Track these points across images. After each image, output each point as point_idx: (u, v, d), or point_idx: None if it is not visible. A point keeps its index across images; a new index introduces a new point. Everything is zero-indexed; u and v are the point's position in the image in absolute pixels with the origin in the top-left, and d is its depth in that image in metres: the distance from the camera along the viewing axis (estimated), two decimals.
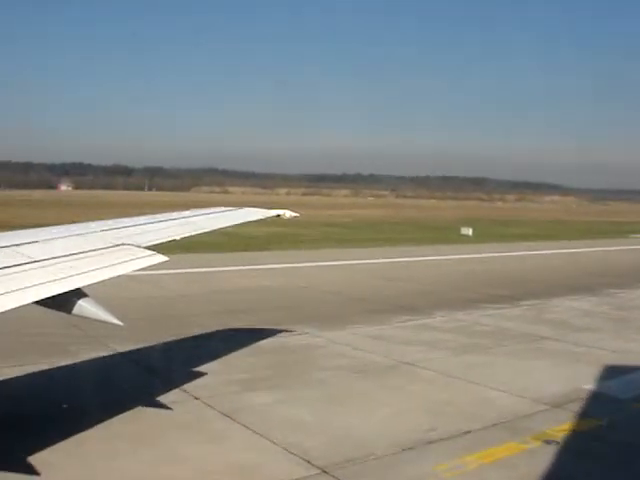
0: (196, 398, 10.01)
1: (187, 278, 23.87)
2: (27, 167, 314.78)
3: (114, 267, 5.82)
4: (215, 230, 8.63)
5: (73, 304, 5.39)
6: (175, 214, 9.01)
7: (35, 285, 4.93)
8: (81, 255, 5.90)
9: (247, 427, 8.84)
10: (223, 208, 9.98)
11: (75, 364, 11.75)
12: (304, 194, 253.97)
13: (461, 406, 10.00)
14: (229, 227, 9.33)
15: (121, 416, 8.97)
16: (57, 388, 10.71)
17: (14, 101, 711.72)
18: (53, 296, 5.00)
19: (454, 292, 22.20)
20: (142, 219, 8.22)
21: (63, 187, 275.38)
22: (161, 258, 6.36)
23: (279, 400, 10.13)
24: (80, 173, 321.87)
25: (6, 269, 5.09)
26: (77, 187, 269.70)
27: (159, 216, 8.66)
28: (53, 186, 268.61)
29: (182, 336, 14.21)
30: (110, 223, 7.63)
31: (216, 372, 11.49)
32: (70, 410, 9.29)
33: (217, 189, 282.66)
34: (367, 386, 11.10)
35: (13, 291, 4.73)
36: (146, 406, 9.41)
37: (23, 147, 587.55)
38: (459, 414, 9.57)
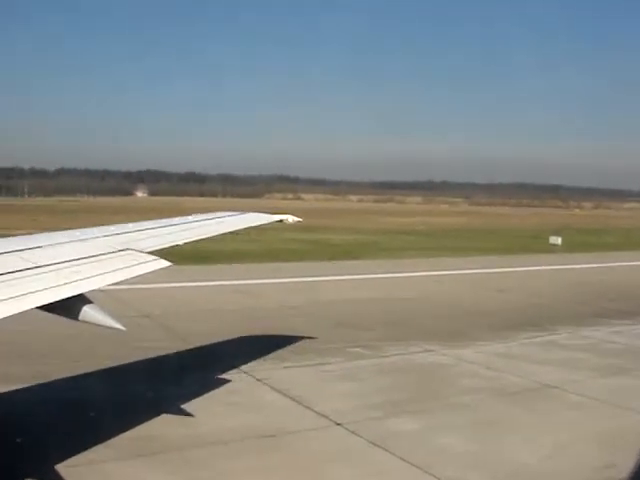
0: (338, 424, 9.38)
1: (289, 288, 23.40)
2: (104, 174, 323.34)
3: (118, 272, 5.82)
4: (218, 235, 8.46)
5: (77, 309, 5.32)
6: (178, 219, 8.93)
7: (39, 290, 4.94)
8: (84, 260, 5.89)
9: (403, 459, 8.16)
10: (226, 213, 9.93)
11: None
12: (376, 201, 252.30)
13: (631, 437, 9.08)
14: (232, 231, 9.11)
15: (264, 443, 8.45)
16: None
17: (92, 111, 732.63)
18: (57, 301, 4.99)
19: (569, 305, 21.04)
20: (145, 224, 8.15)
21: (139, 194, 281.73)
22: (164, 263, 6.24)
23: (427, 427, 9.44)
24: (154, 180, 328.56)
25: (10, 274, 5.10)
26: (152, 194, 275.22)
27: (162, 221, 8.64)
28: (129, 193, 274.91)
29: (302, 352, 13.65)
30: (113, 229, 7.61)
31: (350, 394, 10.87)
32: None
33: (290, 196, 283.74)
34: (516, 412, 10.30)
35: (17, 296, 4.73)
36: (289, 433, 8.96)
37: (100, 155, 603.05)
38: (633, 447, 8.65)
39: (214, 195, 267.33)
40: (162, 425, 9.07)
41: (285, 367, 12.53)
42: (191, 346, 14.09)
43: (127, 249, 6.45)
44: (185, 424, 9.10)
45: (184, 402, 9.86)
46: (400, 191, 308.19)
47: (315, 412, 9.89)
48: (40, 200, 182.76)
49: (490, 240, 53.26)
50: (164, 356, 13.04)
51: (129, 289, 20.92)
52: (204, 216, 9.43)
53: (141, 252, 6.46)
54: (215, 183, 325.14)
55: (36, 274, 5.26)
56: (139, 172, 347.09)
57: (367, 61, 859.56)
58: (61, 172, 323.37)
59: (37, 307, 4.88)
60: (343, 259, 34.64)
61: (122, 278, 5.79)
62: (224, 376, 11.55)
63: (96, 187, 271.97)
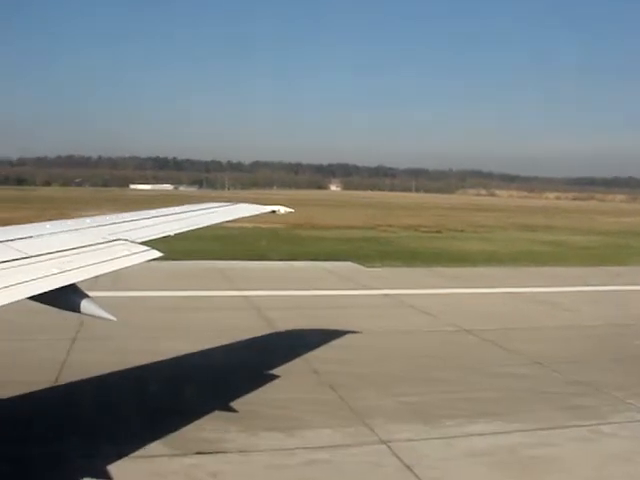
0: None
1: (592, 298, 20.45)
2: (297, 167, 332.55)
3: (109, 262, 5.77)
4: (210, 225, 8.44)
5: (68, 300, 5.33)
6: (170, 210, 8.92)
7: (29, 281, 4.89)
8: (76, 251, 5.84)
9: None
10: (218, 204, 10.01)
11: None
12: (574, 199, 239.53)
13: None
14: (223, 222, 9.05)
15: None
16: None
17: (282, 107, 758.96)
18: (48, 292, 4.94)
19: None
20: (137, 215, 8.11)
21: (333, 187, 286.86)
22: (156, 254, 6.18)
23: None
24: (345, 174, 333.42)
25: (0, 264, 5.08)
26: (345, 187, 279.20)
27: (153, 212, 8.61)
28: (322, 186, 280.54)
29: None
30: (105, 219, 7.57)
31: None
32: None
33: (483, 192, 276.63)
34: None
35: (7, 287, 4.66)
36: None
37: (293, 148, 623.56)
38: None
39: (406, 190, 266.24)
40: None
41: None
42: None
43: (119, 239, 6.42)
44: None
45: None
46: (597, 188, 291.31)
47: None
48: (246, 193, 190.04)
49: None
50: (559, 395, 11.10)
51: (411, 294, 19.26)
52: (196, 207, 9.50)
53: (133, 242, 6.41)
54: (405, 177, 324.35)
55: (27, 264, 5.22)
56: (330, 165, 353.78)
57: (560, 55, 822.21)
58: (256, 165, 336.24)
59: (28, 297, 4.83)
60: (607, 264, 30.96)
61: (114, 268, 5.74)
62: None
63: (290, 180, 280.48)
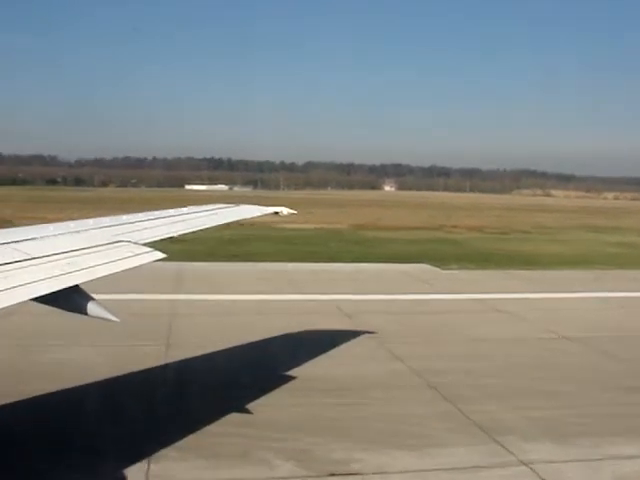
0: None
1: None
2: (349, 168, 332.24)
3: (112, 264, 5.79)
4: (213, 227, 8.47)
5: (71, 301, 5.38)
6: (172, 211, 8.93)
7: (33, 282, 4.94)
8: (79, 252, 5.89)
9: None
10: (220, 205, 9.97)
11: None
12: (633, 198, 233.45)
13: None
14: (226, 223, 9.09)
15: None
16: None
17: (333, 105, 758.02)
18: (51, 293, 4.98)
19: None
20: (139, 216, 8.11)
21: (387, 187, 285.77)
22: (159, 255, 6.26)
23: None
24: (398, 174, 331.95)
25: (4, 266, 5.08)
26: (400, 188, 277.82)
27: (156, 213, 8.60)
28: (376, 186, 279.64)
29: None
30: (107, 220, 7.59)
31: None
32: None
33: (538, 192, 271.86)
34: None
35: (11, 288, 4.72)
36: None
37: (345, 149, 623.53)
38: None
39: (459, 190, 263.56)
40: None
41: None
42: None
43: (121, 241, 6.47)
44: None
45: None
46: None
47: None
48: (302, 194, 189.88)
49: None
50: None
51: (499, 299, 18.76)
52: (198, 208, 9.47)
53: (135, 244, 6.44)
54: (458, 177, 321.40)
55: (31, 266, 5.28)
56: (383, 166, 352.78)
57: (616, 52, 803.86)
58: (309, 166, 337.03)
59: (32, 299, 4.91)
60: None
61: (117, 270, 5.77)
62: None
63: (343, 180, 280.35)
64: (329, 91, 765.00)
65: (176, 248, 30.66)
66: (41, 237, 6.21)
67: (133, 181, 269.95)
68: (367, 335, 14.54)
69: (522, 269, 27.08)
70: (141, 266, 6.06)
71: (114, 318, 5.39)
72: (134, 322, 13.05)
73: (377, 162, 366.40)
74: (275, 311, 17.28)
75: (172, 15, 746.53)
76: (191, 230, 7.94)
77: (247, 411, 9.47)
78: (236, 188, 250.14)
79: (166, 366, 11.73)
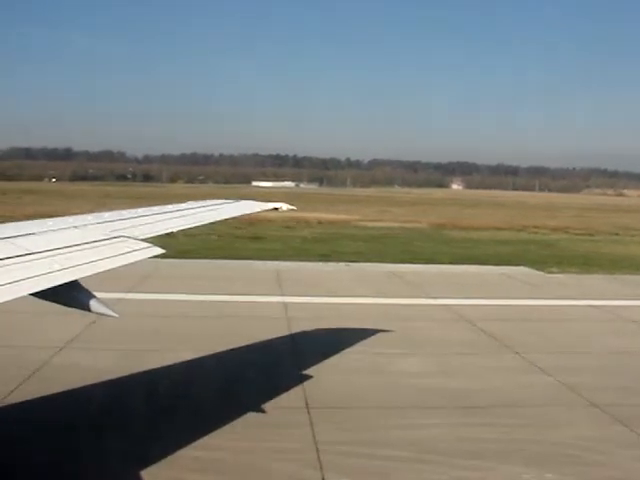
0: None
1: None
2: (415, 165, 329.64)
3: (111, 259, 5.76)
4: (213, 222, 8.32)
5: (70, 296, 5.41)
6: (172, 206, 8.85)
7: (32, 277, 4.94)
8: (78, 247, 5.84)
9: None
10: (220, 200, 9.86)
11: None
12: None
13: None
14: (226, 219, 8.87)
15: None
16: None
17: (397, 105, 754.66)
18: (50, 288, 4.96)
19: None
20: (139, 211, 8.04)
21: (454, 186, 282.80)
22: (158, 250, 6.15)
23: None
24: (465, 172, 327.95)
25: (3, 261, 5.05)
26: (467, 186, 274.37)
27: (155, 208, 8.50)
28: (442, 185, 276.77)
29: None
30: (106, 216, 7.49)
31: None
32: None
33: (610, 191, 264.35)
34: None
35: (10, 283, 4.71)
36: None
37: (411, 146, 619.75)
38: None
39: (528, 189, 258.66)
40: None
41: None
42: None
43: (121, 236, 6.43)
44: None
45: None
46: None
47: None
48: (374, 191, 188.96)
49: None
50: None
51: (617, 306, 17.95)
52: (199, 204, 9.38)
53: (135, 239, 6.41)
54: (526, 176, 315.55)
55: (29, 260, 5.26)
56: (450, 164, 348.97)
57: None
58: (374, 163, 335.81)
59: (30, 294, 4.85)
60: None
61: (116, 265, 5.73)
62: None
63: (409, 178, 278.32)
64: (396, 89, 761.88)
65: (255, 247, 30.55)
66: (39, 232, 6.20)
67: (200, 177, 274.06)
68: (497, 344, 13.66)
69: (629, 273, 25.77)
70: (145, 261, 6.08)
71: (113, 314, 5.40)
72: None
73: (443, 160, 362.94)
74: (400, 317, 16.01)
75: (243, 13, 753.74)
76: (191, 225, 7.88)
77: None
78: (302, 185, 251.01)
79: None
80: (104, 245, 6.12)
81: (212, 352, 11.98)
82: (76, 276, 5.35)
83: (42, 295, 5.13)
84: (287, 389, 10.12)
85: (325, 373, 11.04)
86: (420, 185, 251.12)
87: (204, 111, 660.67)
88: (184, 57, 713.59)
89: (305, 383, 10.42)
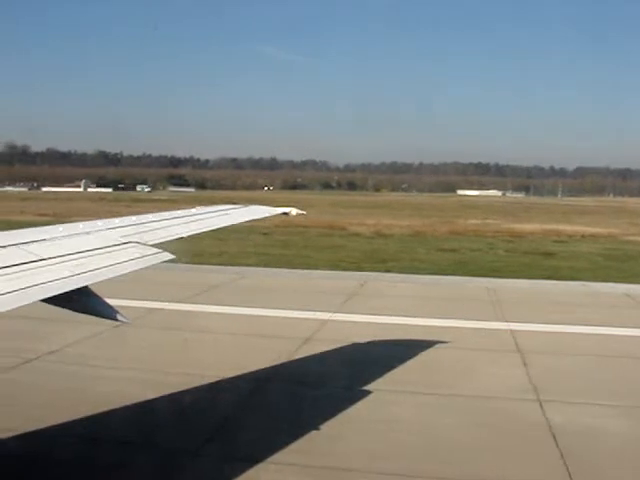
0: None
1: None
2: (625, 173, 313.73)
3: (122, 265, 5.86)
4: (223, 228, 8.24)
5: (81, 302, 5.53)
6: (181, 212, 8.80)
7: (43, 283, 5.03)
8: (89, 253, 5.95)
9: None
10: (229, 206, 9.73)
11: None
12: None
13: None
14: (238, 224, 8.69)
15: None
16: None
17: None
18: (61, 294, 5.07)
19: None
20: (148, 217, 8.01)
21: None
22: (168, 256, 6.31)
23: None
24: None
25: (15, 267, 5.17)
26: None
27: (165, 214, 8.49)
28: None
29: None
30: (116, 221, 7.54)
31: None
32: None
33: None
34: None
35: (22, 289, 4.81)
36: None
37: (619, 154, 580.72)
38: None
39: None
40: None
41: None
42: None
43: (131, 242, 6.53)
44: None
45: None
46: None
47: None
48: (591, 200, 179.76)
49: None
50: None
51: None
52: (208, 209, 9.34)
53: (145, 245, 6.51)
54: None
55: (40, 267, 5.37)
56: None
57: None
58: (580, 171, 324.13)
59: (42, 300, 5.02)
60: None
61: (127, 271, 5.84)
62: None
63: (620, 186, 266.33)
64: (607, 93, 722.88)
65: (549, 264, 30.30)
66: (51, 238, 6.24)
67: (404, 186, 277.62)
68: None
69: None
70: (153, 267, 6.10)
71: (125, 319, 5.56)
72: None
73: None
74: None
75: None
76: (202, 230, 7.84)
77: None
78: (508, 194, 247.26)
79: None
80: (115, 251, 6.22)
81: None
82: (87, 282, 5.43)
83: (53, 301, 5.20)
84: None
85: None
86: (632, 194, 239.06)
87: (402, 120, 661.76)
88: (371, 64, 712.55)
89: None
